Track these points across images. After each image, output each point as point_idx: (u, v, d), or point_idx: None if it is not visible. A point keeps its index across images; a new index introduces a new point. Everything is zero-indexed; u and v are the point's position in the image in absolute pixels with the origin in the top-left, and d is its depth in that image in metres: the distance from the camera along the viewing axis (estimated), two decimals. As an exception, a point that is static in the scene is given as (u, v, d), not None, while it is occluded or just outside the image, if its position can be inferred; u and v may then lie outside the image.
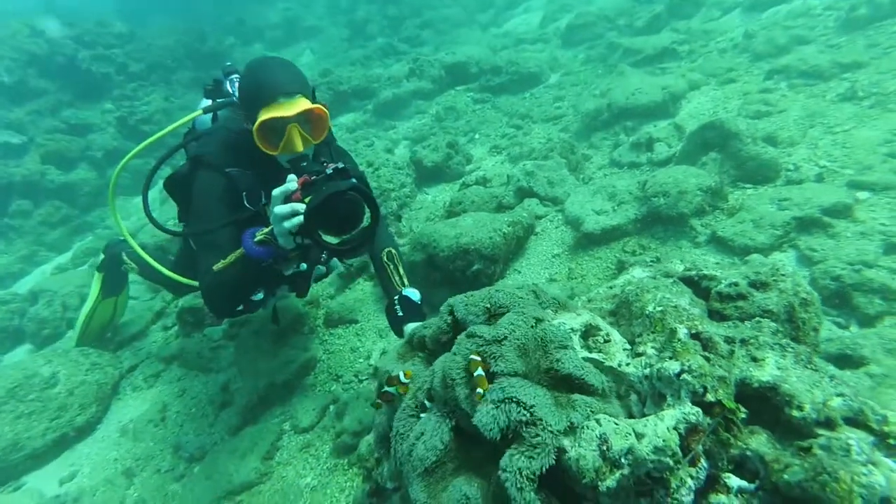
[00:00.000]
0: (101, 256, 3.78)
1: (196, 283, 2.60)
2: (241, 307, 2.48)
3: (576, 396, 1.00)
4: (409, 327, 2.08)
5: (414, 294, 2.28)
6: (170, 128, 2.58)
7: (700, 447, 0.89)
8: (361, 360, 3.16)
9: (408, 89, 6.99)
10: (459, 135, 5.81)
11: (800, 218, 2.77)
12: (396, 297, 2.26)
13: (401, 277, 2.39)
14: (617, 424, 0.89)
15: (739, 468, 0.94)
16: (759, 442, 0.94)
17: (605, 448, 0.86)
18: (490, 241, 3.08)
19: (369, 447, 2.21)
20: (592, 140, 4.74)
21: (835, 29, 4.90)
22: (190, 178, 2.23)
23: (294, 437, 2.82)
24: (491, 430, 1.01)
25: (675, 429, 0.88)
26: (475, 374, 1.07)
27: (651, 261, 2.87)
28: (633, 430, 0.88)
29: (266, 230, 1.84)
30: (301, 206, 1.71)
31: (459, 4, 11.91)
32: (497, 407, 1.01)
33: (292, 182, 1.77)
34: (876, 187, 2.90)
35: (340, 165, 1.79)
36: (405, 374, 1.37)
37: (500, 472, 0.95)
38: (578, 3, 9.60)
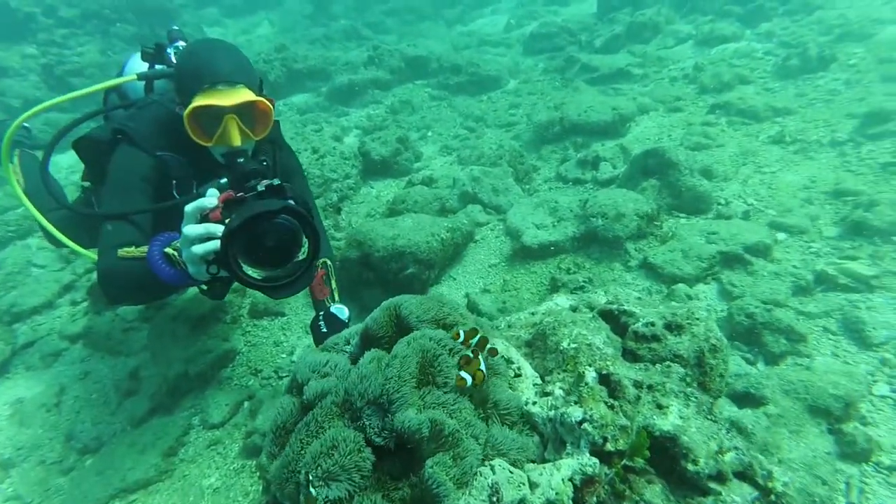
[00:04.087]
0: None
1: (82, 251, 2.32)
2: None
3: (495, 426, 0.98)
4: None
5: (341, 311, 2.16)
6: (96, 87, 2.31)
7: (594, 499, 0.87)
8: (284, 356, 3.03)
9: (365, 77, 6.81)
10: (412, 130, 5.72)
11: (725, 252, 2.90)
12: (322, 313, 2.14)
13: (332, 292, 2.25)
14: (511, 473, 0.87)
15: (632, 519, 0.94)
16: (653, 493, 0.95)
17: (495, 499, 0.83)
18: (427, 246, 3.03)
19: (268, 457, 2.11)
20: (542, 152, 4.78)
21: (772, 74, 5.20)
22: (110, 148, 2.01)
23: (202, 433, 2.67)
24: (420, 432, 0.97)
25: (570, 480, 0.86)
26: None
27: (583, 281, 2.92)
28: (528, 480, 0.86)
29: (178, 243, 1.50)
30: (218, 229, 1.38)
31: (428, -4, 11.75)
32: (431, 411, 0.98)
33: (212, 198, 1.45)
34: (793, 230, 3.08)
35: (276, 182, 1.44)
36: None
37: (426, 471, 0.92)
38: (545, 13, 9.71)
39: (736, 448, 0.99)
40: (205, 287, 1.96)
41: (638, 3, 7.76)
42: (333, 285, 2.29)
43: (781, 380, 1.99)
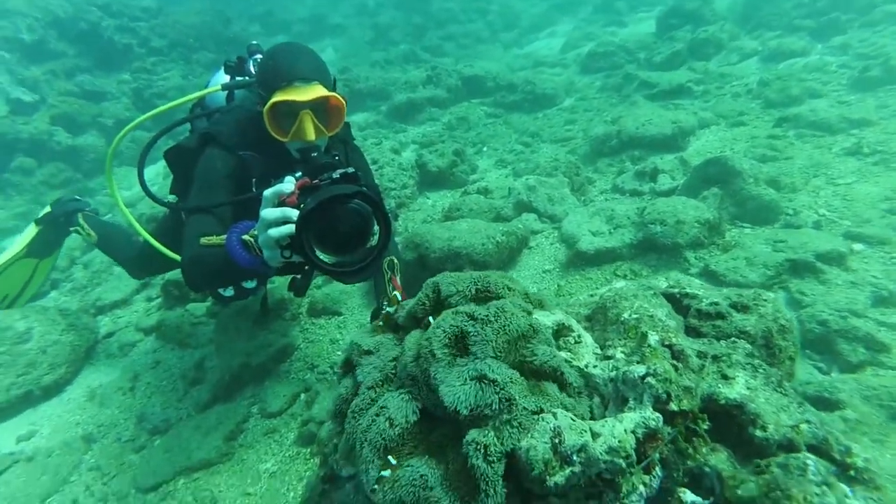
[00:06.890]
0: (46, 209, 3.54)
1: (172, 254, 2.46)
2: (231, 293, 2.41)
3: (546, 385, 0.98)
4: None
5: None
6: (184, 99, 2.53)
7: (657, 455, 0.86)
8: (339, 353, 3.12)
9: (423, 95, 7.04)
10: (468, 145, 5.83)
11: (793, 260, 2.76)
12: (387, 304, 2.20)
13: (394, 289, 2.33)
14: (573, 420, 0.87)
15: (696, 483, 0.91)
16: (718, 459, 0.92)
17: (557, 441, 0.83)
18: (482, 248, 3.06)
19: (329, 432, 2.18)
20: (598, 165, 4.75)
21: (847, 86, 4.96)
22: (197, 153, 2.16)
23: (260, 421, 2.78)
24: (461, 405, 0.97)
25: (632, 432, 0.85)
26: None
27: (640, 286, 2.86)
28: (590, 429, 0.85)
29: (256, 230, 1.54)
30: (294, 213, 1.42)
31: (485, 21, 12.08)
32: (469, 383, 0.99)
33: (289, 183, 1.50)
34: (872, 241, 2.89)
35: (351, 170, 1.47)
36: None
37: (465, 447, 0.92)
38: (602, 34, 9.73)
39: (809, 421, 0.95)
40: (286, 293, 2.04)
41: (699, 20, 7.65)
42: (398, 282, 2.34)
43: (860, 384, 1.86)
